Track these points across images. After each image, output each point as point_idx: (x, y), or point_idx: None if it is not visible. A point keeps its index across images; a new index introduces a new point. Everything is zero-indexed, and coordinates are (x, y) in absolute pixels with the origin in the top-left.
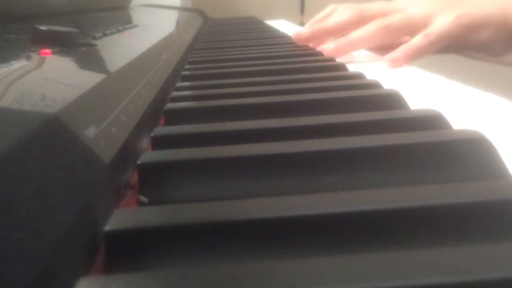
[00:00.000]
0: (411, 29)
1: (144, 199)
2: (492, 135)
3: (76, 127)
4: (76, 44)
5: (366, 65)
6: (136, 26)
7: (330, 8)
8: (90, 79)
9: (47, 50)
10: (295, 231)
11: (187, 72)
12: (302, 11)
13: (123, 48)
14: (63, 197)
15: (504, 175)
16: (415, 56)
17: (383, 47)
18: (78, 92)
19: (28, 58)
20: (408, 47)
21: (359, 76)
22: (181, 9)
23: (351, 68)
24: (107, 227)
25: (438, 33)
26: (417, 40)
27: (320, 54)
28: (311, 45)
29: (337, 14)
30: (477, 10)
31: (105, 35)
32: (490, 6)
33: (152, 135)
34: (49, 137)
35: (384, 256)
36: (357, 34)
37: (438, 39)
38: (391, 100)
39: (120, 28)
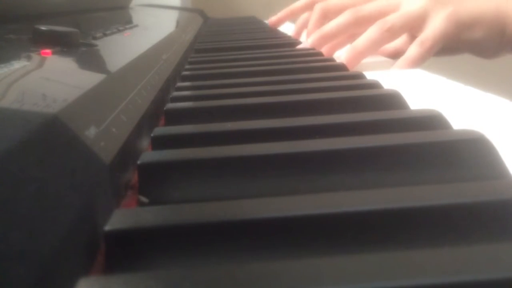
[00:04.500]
0: (410, 26)
1: (144, 199)
2: (492, 135)
3: (77, 127)
4: (76, 44)
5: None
6: (136, 26)
7: None
8: (91, 79)
9: (47, 50)
10: (295, 231)
11: (187, 72)
12: None
13: (123, 48)
14: (63, 197)
15: (504, 175)
16: (415, 67)
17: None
18: (78, 92)
19: (28, 58)
20: (406, 61)
21: (359, 76)
22: (181, 9)
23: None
24: (107, 227)
25: (432, 37)
26: (414, 51)
27: (320, 54)
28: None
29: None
30: (469, 7)
31: (105, 35)
32: (484, 3)
33: (152, 135)
34: (50, 137)
35: (384, 256)
36: (362, 42)
37: (434, 43)
38: (391, 100)
39: (120, 28)
